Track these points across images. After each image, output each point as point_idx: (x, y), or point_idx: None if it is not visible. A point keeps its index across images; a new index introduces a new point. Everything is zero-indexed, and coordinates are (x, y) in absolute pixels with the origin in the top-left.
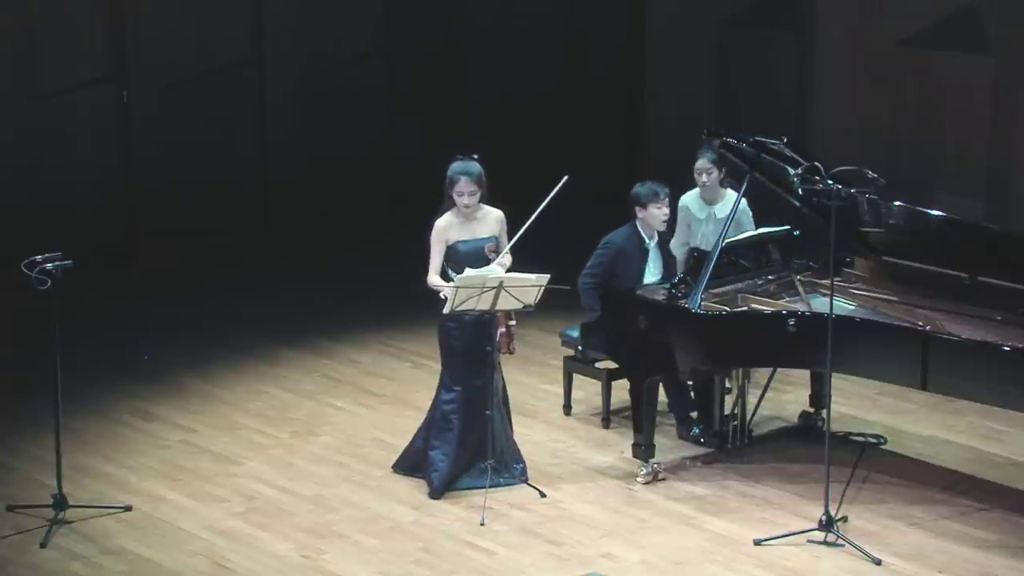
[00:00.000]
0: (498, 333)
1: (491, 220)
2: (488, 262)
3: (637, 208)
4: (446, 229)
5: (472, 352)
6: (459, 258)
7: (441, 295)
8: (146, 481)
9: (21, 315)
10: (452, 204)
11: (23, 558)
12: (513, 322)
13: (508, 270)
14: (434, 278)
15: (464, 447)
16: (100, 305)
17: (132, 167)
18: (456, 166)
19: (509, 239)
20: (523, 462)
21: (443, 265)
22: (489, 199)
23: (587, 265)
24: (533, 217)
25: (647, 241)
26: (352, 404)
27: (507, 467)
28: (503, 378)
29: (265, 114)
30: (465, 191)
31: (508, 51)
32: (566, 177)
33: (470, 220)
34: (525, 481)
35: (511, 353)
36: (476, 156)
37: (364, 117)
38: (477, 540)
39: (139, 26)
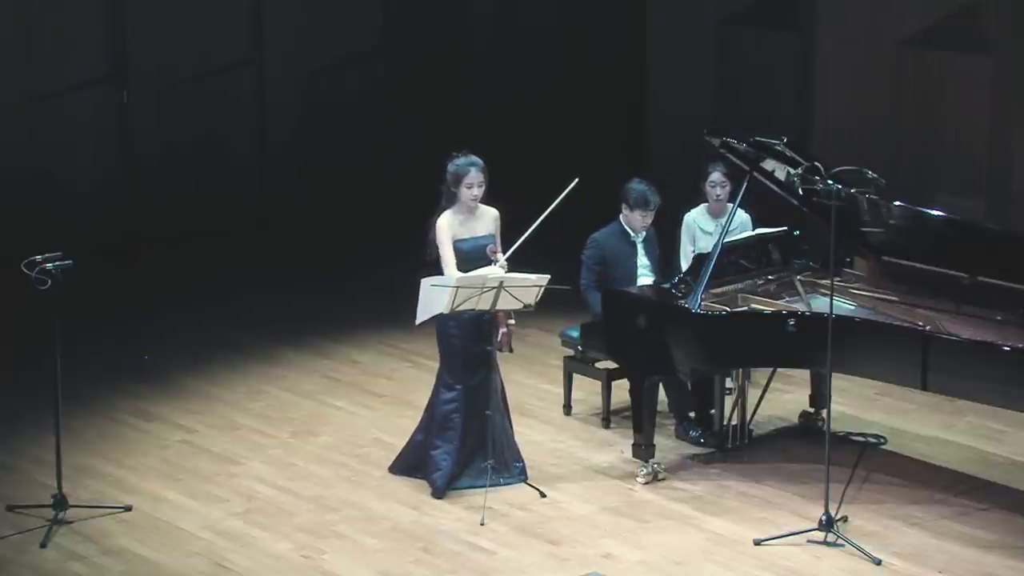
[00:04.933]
0: (499, 332)
1: (488, 219)
2: (489, 262)
3: (624, 205)
4: (449, 227)
5: (472, 351)
6: (462, 257)
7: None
8: (146, 481)
9: (21, 315)
10: (451, 202)
11: (23, 558)
12: (512, 321)
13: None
14: (455, 272)
15: (465, 446)
16: (101, 305)
17: (132, 167)
18: (461, 160)
19: (503, 238)
20: (522, 461)
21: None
22: (490, 198)
23: (581, 274)
24: (543, 218)
25: (633, 235)
26: (352, 404)
27: (507, 466)
28: (501, 377)
29: (265, 114)
30: (475, 182)
31: (508, 51)
32: (576, 179)
33: (470, 218)
34: (525, 480)
35: (511, 352)
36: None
37: (364, 117)
38: (477, 540)
39: (139, 26)
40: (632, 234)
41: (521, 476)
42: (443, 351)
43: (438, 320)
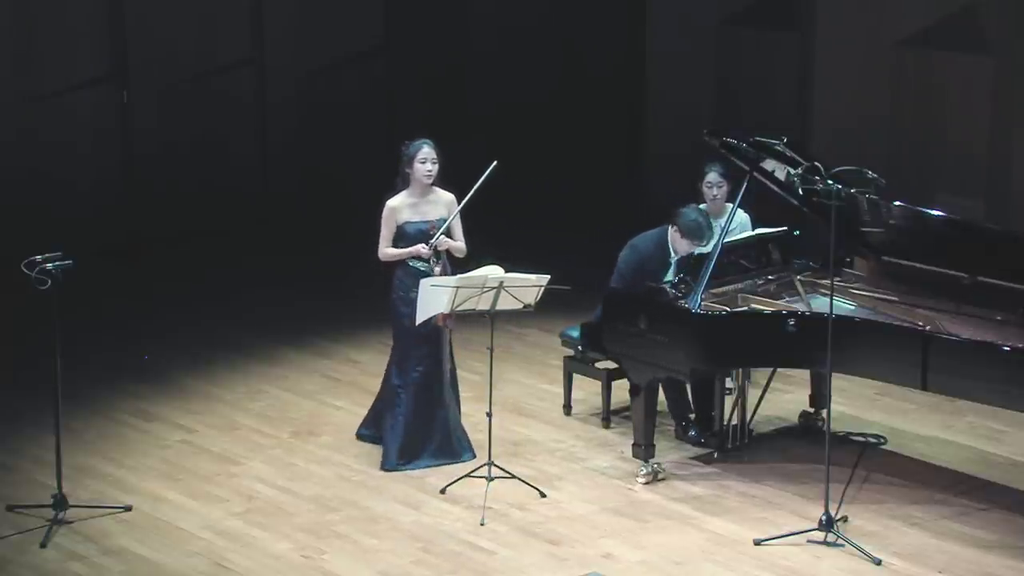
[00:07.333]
0: None
1: (442, 204)
2: (429, 237)
3: (672, 226)
4: (398, 209)
5: (421, 334)
6: (406, 239)
7: (410, 259)
8: (146, 481)
9: (21, 315)
10: (405, 185)
11: (23, 558)
12: None
13: (457, 266)
14: (389, 249)
15: (411, 428)
16: (101, 305)
17: (132, 167)
18: (415, 142)
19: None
20: (467, 439)
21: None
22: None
23: (613, 278)
24: (465, 201)
25: (672, 255)
26: (352, 404)
27: (459, 448)
28: (454, 361)
29: (265, 114)
30: (428, 157)
31: (509, 50)
32: (495, 162)
33: (422, 202)
34: (473, 456)
35: (450, 328)
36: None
37: (364, 117)
38: (477, 540)
39: (139, 26)
40: (672, 253)
41: (469, 452)
42: (396, 332)
43: (391, 303)
